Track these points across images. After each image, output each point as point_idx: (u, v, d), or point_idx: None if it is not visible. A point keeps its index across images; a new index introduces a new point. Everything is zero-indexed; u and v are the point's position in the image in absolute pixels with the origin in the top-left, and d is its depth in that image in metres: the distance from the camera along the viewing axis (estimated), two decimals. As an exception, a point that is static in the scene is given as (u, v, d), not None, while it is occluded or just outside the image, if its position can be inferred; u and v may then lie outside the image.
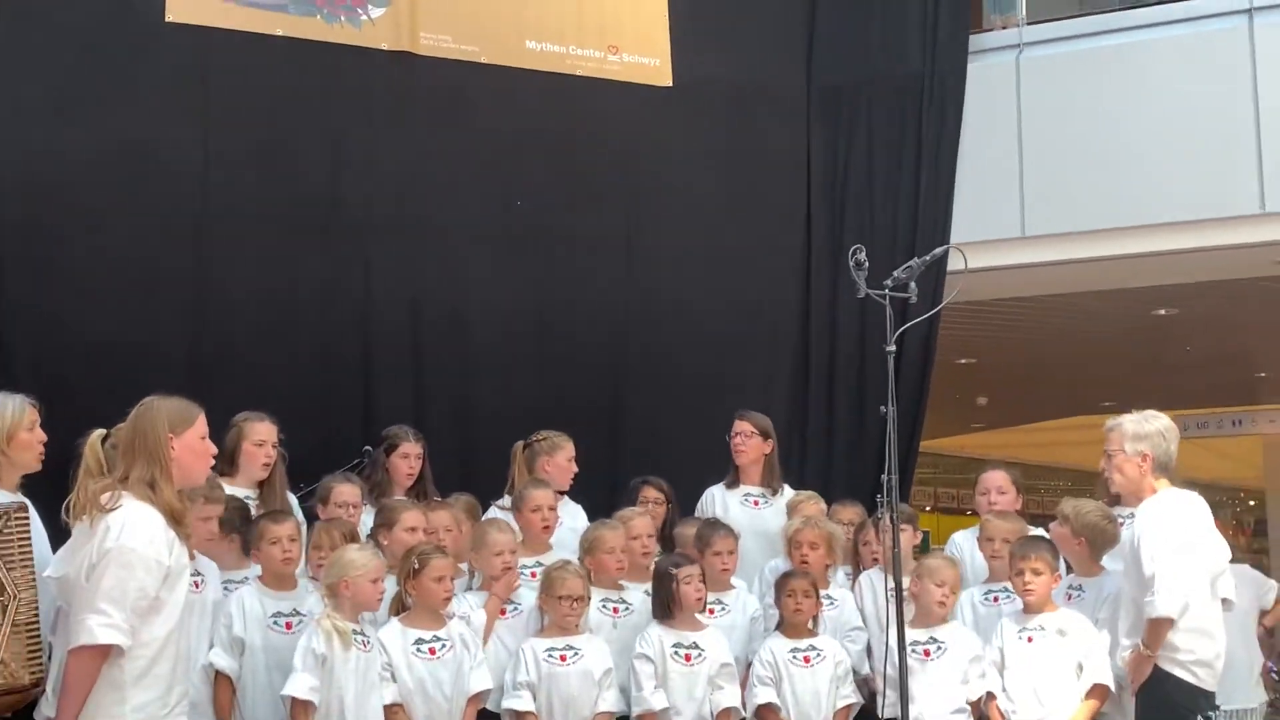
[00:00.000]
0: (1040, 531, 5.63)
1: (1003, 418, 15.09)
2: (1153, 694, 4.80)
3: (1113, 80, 7.78)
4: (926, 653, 5.16)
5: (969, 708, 5.23)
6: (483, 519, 5.59)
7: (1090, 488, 6.50)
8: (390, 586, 5.00)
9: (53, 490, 4.16)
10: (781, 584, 5.38)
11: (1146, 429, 4.96)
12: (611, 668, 5.10)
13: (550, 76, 7.50)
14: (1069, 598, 5.35)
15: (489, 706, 4.99)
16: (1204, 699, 4.82)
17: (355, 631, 4.62)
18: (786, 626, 5.38)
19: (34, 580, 4.09)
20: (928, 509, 16.09)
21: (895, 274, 4.92)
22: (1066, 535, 5.33)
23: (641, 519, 5.63)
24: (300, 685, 4.50)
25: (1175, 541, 4.77)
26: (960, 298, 5.81)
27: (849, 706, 5.35)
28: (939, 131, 7.92)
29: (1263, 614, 7.23)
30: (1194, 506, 4.95)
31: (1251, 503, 16.89)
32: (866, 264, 4.81)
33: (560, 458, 5.92)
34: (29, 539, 4.16)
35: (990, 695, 5.20)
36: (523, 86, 7.41)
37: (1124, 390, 12.09)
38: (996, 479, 5.94)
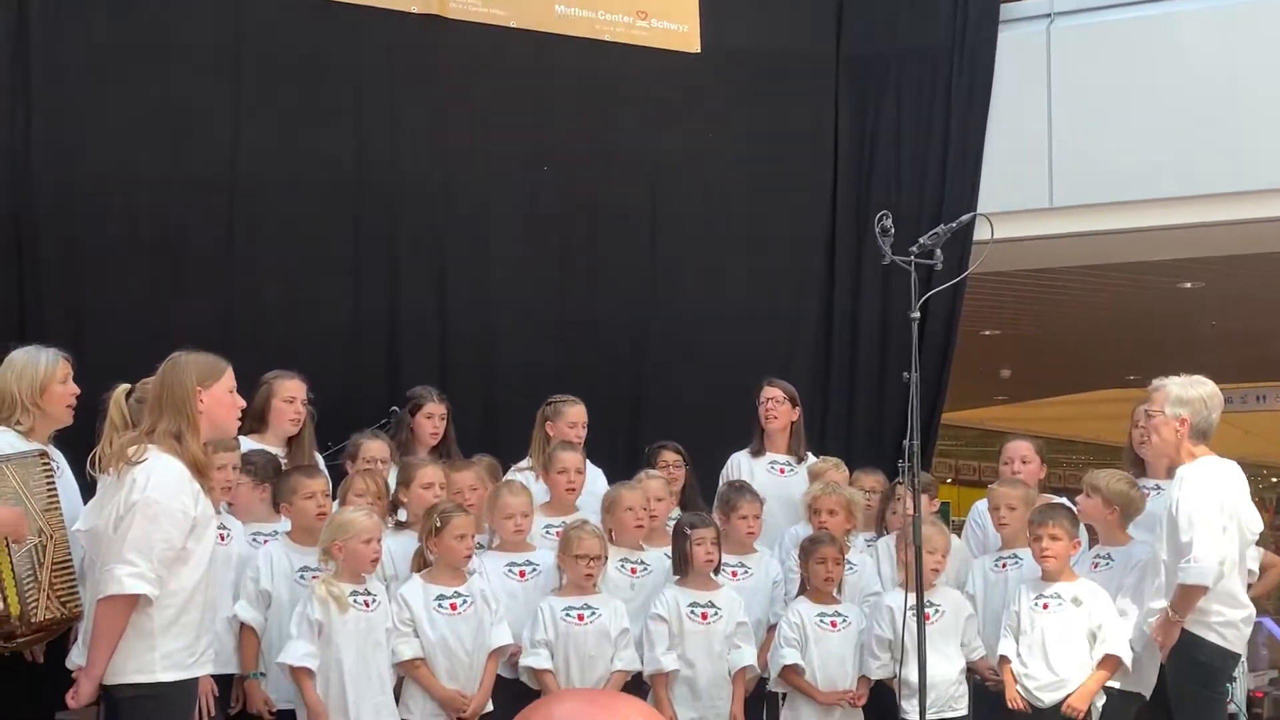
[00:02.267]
0: (1060, 500, 5.64)
1: (1026, 391, 15.06)
2: (1183, 658, 4.84)
3: (1143, 51, 7.72)
4: (927, 616, 5.17)
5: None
6: (501, 481, 5.64)
7: (1113, 461, 6.51)
8: (410, 542, 5.08)
9: (82, 444, 4.23)
10: (810, 549, 5.39)
11: (1190, 394, 4.96)
12: (628, 627, 5.16)
13: (578, 41, 7.48)
14: (1095, 566, 5.37)
15: (501, 672, 5.04)
16: (1233, 660, 4.88)
17: (356, 592, 4.66)
18: (813, 591, 5.41)
19: (64, 522, 4.20)
20: (948, 481, 16.08)
21: (921, 240, 4.93)
22: (1098, 505, 5.34)
23: (654, 481, 5.67)
24: (295, 653, 4.57)
25: (1213, 509, 4.78)
26: (986, 268, 5.81)
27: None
28: (968, 101, 7.88)
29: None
30: (1233, 475, 4.96)
31: (1275, 479, 16.83)
32: (892, 230, 4.81)
33: (562, 423, 5.91)
34: (54, 482, 4.27)
35: (1004, 659, 5.24)
36: (551, 51, 7.41)
37: (1148, 364, 11.98)
38: (1020, 449, 5.88)
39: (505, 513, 5.22)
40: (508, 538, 5.26)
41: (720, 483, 6.12)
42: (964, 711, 5.32)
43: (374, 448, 5.44)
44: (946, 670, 5.21)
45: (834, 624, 5.35)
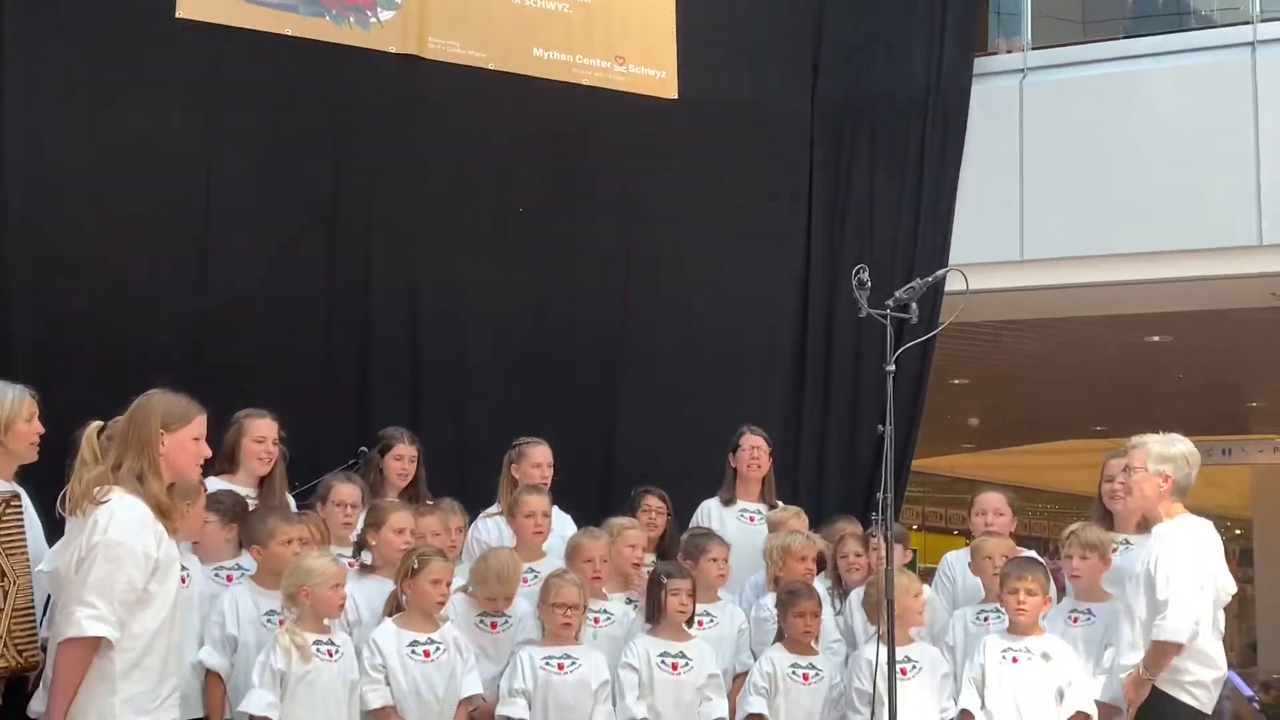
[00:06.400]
0: (1031, 553, 5.65)
1: (993, 439, 15.13)
2: (1152, 716, 4.82)
3: (1115, 107, 7.83)
4: (904, 671, 5.14)
5: None
6: (489, 550, 5.48)
7: (1078, 511, 6.52)
8: (375, 586, 5.04)
9: (49, 482, 4.18)
10: (790, 602, 5.36)
11: (1172, 451, 4.99)
12: (608, 679, 5.10)
13: (556, 84, 7.52)
14: (1074, 621, 5.37)
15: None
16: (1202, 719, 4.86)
17: (319, 641, 4.59)
18: (789, 641, 5.38)
19: (29, 566, 4.13)
20: (915, 527, 16.11)
21: (897, 294, 4.94)
22: (1094, 563, 5.35)
23: (635, 530, 5.64)
24: (258, 702, 4.48)
25: (1192, 568, 4.80)
26: (956, 318, 5.84)
27: None
28: (941, 153, 7.96)
29: None
30: (1210, 535, 4.98)
31: (1238, 532, 16.93)
32: (869, 284, 4.83)
33: (526, 464, 5.88)
34: (23, 526, 4.20)
35: (967, 713, 5.20)
36: (528, 93, 7.43)
37: (1115, 416, 12.15)
38: (994, 500, 5.90)
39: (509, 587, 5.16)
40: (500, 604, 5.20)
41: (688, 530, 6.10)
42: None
43: (344, 491, 5.37)
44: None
45: (805, 676, 5.31)
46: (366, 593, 5.07)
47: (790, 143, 8.08)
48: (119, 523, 3.77)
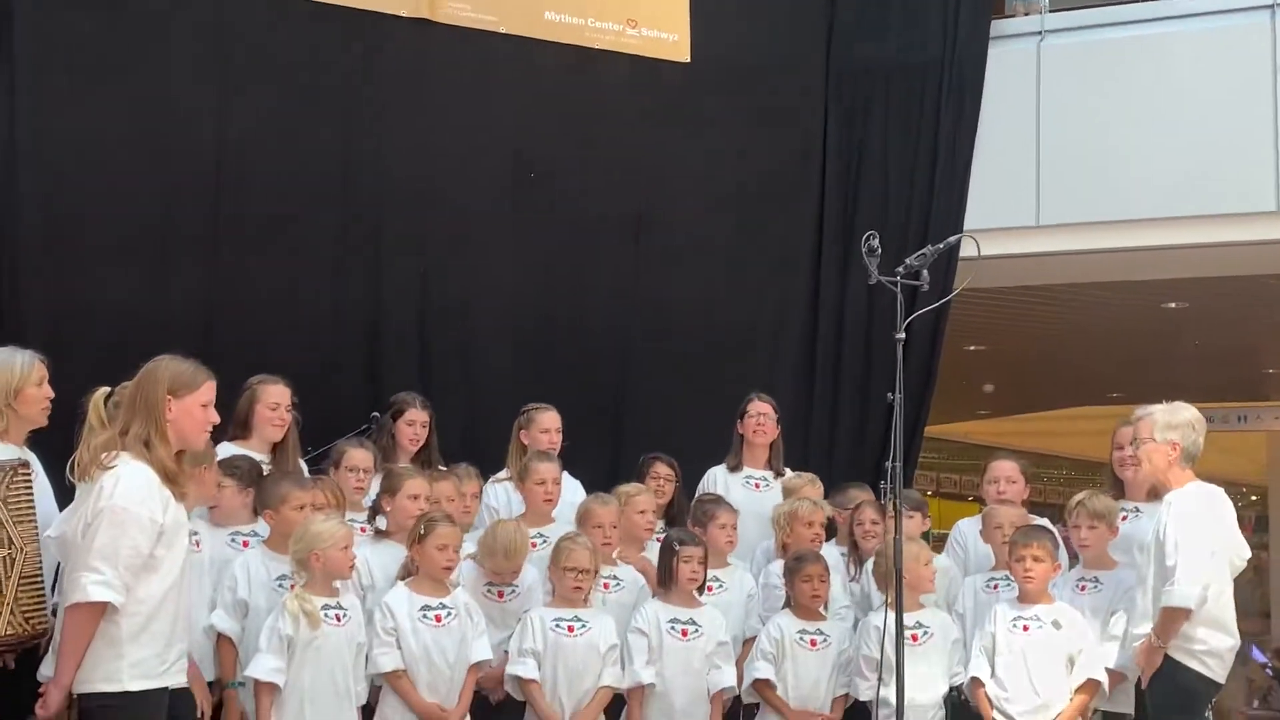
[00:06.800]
0: (1043, 521, 5.63)
1: (1008, 405, 15.09)
2: (1164, 683, 4.84)
3: (1133, 71, 7.74)
4: (914, 637, 5.16)
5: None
6: (496, 522, 5.46)
7: (1092, 478, 6.47)
8: (389, 551, 5.05)
9: (60, 447, 4.19)
10: (796, 568, 5.38)
11: (1178, 419, 5.00)
12: (617, 643, 5.13)
13: (568, 48, 7.45)
14: (1081, 589, 5.37)
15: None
16: (1214, 689, 4.87)
17: (328, 606, 4.60)
18: (797, 607, 5.40)
19: (37, 534, 4.15)
20: (930, 494, 16.10)
21: (908, 261, 4.90)
22: (1102, 532, 5.35)
23: (645, 496, 5.64)
24: (263, 667, 4.51)
25: (1201, 535, 4.80)
26: (971, 284, 5.81)
27: (846, 695, 5.39)
28: (956, 117, 7.87)
29: None
30: (1221, 502, 4.99)
31: (1254, 498, 16.89)
32: (879, 250, 4.80)
33: (535, 429, 5.90)
34: (32, 494, 4.22)
35: (977, 681, 5.20)
36: (540, 57, 7.37)
37: (1131, 382, 12.11)
38: (1006, 468, 5.90)
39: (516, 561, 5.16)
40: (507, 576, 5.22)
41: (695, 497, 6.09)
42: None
43: (357, 456, 5.39)
44: (931, 693, 5.19)
45: (813, 642, 5.34)
46: (380, 558, 5.11)
47: (804, 106, 8.00)
48: (125, 488, 3.80)
